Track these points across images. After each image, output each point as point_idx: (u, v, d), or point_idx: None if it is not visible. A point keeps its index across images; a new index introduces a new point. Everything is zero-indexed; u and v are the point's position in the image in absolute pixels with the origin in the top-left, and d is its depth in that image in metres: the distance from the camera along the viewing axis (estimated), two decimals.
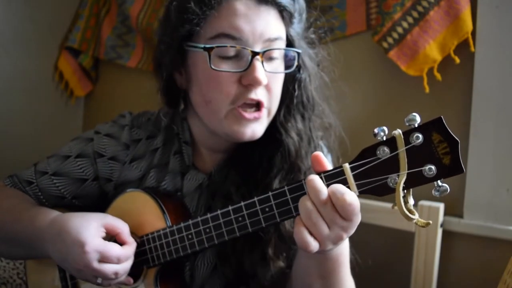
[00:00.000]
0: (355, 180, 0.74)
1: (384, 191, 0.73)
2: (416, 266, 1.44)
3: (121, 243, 0.94)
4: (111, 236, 0.94)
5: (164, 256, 0.96)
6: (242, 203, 0.84)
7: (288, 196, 0.79)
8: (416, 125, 0.70)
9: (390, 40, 1.48)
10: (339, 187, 0.73)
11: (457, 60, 1.42)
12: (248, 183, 1.06)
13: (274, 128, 1.06)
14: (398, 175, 0.71)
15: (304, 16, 1.06)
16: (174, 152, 1.12)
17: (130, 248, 0.93)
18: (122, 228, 0.95)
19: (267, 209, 0.82)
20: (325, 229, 0.74)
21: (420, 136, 0.69)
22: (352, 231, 0.77)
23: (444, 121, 0.68)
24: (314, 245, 0.75)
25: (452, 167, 0.68)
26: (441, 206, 1.41)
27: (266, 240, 1.01)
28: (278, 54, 1.00)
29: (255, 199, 0.83)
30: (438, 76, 1.44)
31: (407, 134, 0.70)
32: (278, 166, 1.05)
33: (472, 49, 1.40)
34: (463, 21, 1.39)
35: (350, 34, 1.64)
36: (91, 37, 2.27)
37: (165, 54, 1.02)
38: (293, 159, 1.05)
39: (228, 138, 1.02)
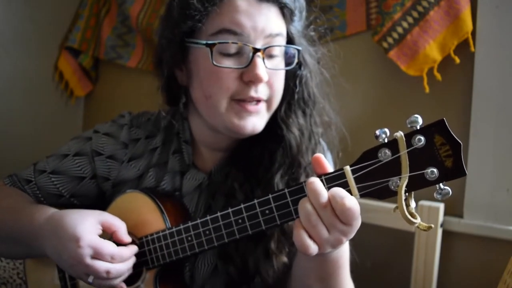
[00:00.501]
0: (356, 183, 0.74)
1: (385, 194, 0.72)
2: (416, 266, 1.44)
3: (118, 242, 0.94)
4: (110, 237, 0.94)
5: (164, 258, 0.96)
6: (242, 205, 0.84)
7: (289, 199, 0.79)
8: (418, 127, 0.70)
9: (390, 40, 1.48)
10: (339, 191, 0.73)
11: (457, 60, 1.42)
12: (250, 180, 1.06)
13: (275, 123, 1.06)
14: (400, 178, 0.71)
15: (304, 14, 1.06)
16: (174, 151, 1.11)
17: (127, 250, 0.93)
18: (119, 226, 0.95)
19: (267, 211, 0.82)
20: (324, 232, 0.74)
21: (422, 138, 0.69)
22: (351, 235, 0.76)
23: (446, 124, 0.68)
24: (313, 248, 0.75)
25: (454, 170, 0.68)
26: (441, 206, 1.41)
27: (268, 235, 1.01)
28: (278, 51, 1.01)
29: (255, 201, 0.83)
30: (438, 76, 1.44)
31: (409, 136, 0.70)
32: (280, 161, 1.05)
33: (472, 49, 1.40)
34: (463, 21, 1.39)
35: (350, 34, 1.64)
36: (91, 37, 2.27)
37: (166, 50, 1.02)
38: (294, 154, 1.05)
39: (229, 133, 1.02)
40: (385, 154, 0.72)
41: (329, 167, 0.78)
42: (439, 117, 0.69)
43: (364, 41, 1.61)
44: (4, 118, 2.07)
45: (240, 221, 0.85)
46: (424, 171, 0.69)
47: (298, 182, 0.97)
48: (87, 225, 0.89)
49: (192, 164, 1.10)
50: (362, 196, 0.75)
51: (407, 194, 0.71)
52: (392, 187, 0.72)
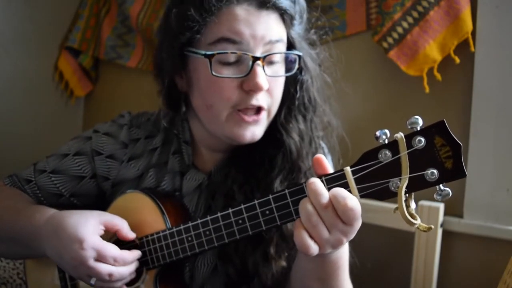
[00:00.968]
0: (356, 183, 0.74)
1: (385, 195, 0.72)
2: (416, 266, 1.44)
3: (123, 239, 0.94)
4: (111, 237, 0.94)
5: (164, 258, 0.96)
6: (242, 206, 0.84)
7: (289, 199, 0.79)
8: (419, 128, 0.70)
9: (390, 40, 1.48)
10: (340, 191, 0.73)
11: (457, 60, 1.42)
12: (249, 182, 1.06)
13: (275, 128, 1.06)
14: (400, 179, 0.71)
15: (305, 17, 1.06)
16: (173, 152, 1.11)
17: (129, 254, 0.93)
18: (121, 224, 0.95)
19: (267, 212, 0.82)
20: (325, 232, 0.74)
21: (423, 139, 0.69)
22: (352, 235, 0.77)
23: (447, 125, 0.68)
24: (314, 248, 0.75)
25: (455, 171, 0.68)
26: (441, 206, 1.41)
27: (268, 239, 1.01)
28: (279, 57, 1.00)
29: (255, 201, 0.82)
30: (438, 76, 1.44)
31: (409, 137, 0.70)
32: (280, 167, 1.05)
33: (472, 49, 1.40)
34: (463, 21, 1.39)
35: (350, 34, 1.64)
36: (91, 37, 2.27)
37: (165, 60, 1.02)
38: (294, 159, 1.05)
39: (228, 141, 1.02)
40: (386, 155, 0.72)
41: (330, 168, 0.78)
42: (439, 117, 0.69)
43: (364, 41, 1.61)
44: (4, 118, 2.07)
45: (240, 221, 0.85)
46: (424, 172, 0.69)
47: None
48: (89, 226, 0.89)
49: (192, 165, 1.10)
50: (362, 196, 0.75)
51: (407, 195, 0.71)
52: (392, 188, 0.72)
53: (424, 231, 0.71)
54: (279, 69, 1.01)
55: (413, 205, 0.72)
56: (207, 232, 0.89)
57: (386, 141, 0.72)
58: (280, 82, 1.01)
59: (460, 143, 0.68)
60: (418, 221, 0.71)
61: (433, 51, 1.44)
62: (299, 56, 1.02)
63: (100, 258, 0.88)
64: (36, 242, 0.95)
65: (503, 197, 1.38)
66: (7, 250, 1.06)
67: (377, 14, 1.55)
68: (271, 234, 1.01)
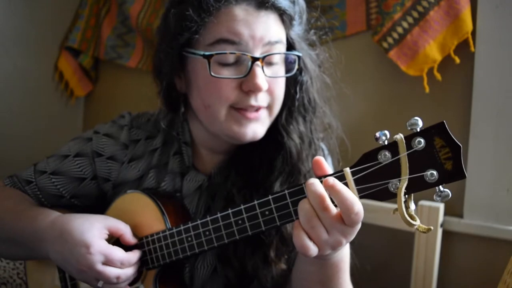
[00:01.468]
0: (356, 184, 0.74)
1: (385, 196, 0.72)
2: (416, 266, 1.44)
3: (125, 244, 0.94)
4: (112, 238, 0.95)
5: (164, 258, 0.96)
6: (242, 206, 0.84)
7: (288, 200, 0.79)
8: (418, 130, 0.70)
9: (390, 40, 1.48)
10: (346, 193, 0.72)
11: (457, 60, 1.42)
12: (249, 185, 1.06)
13: (275, 130, 1.06)
14: (400, 180, 0.71)
15: (304, 17, 1.05)
16: (174, 153, 1.12)
17: (133, 255, 0.94)
18: (125, 229, 0.96)
19: (267, 213, 0.82)
20: (324, 233, 0.74)
21: (422, 140, 0.69)
22: (352, 237, 0.77)
23: (446, 126, 0.68)
24: (313, 249, 0.75)
25: (454, 173, 0.68)
26: (441, 206, 1.41)
27: (267, 242, 1.01)
28: (278, 58, 1.00)
29: (255, 202, 0.83)
30: (438, 76, 1.44)
31: (409, 138, 0.70)
32: (280, 169, 1.05)
33: (472, 49, 1.40)
34: (463, 21, 1.39)
35: (350, 34, 1.64)
36: (91, 37, 2.27)
37: (164, 61, 1.02)
38: (294, 162, 1.05)
39: (229, 140, 1.02)
40: (385, 156, 0.72)
41: (329, 169, 0.78)
42: (439, 117, 0.70)
43: (364, 41, 1.61)
44: (4, 118, 2.07)
45: (240, 222, 0.85)
46: (423, 174, 0.69)
47: None
48: (95, 231, 0.89)
49: (192, 166, 1.10)
50: (361, 197, 0.75)
51: (406, 196, 0.71)
52: (392, 189, 0.72)
53: (424, 232, 0.71)
54: (279, 70, 1.01)
55: (412, 206, 0.72)
56: (207, 233, 0.89)
57: (386, 142, 0.72)
58: (280, 82, 1.01)
59: (460, 145, 0.68)
60: (417, 222, 0.71)
61: (433, 51, 1.44)
62: (299, 57, 1.02)
63: (108, 262, 0.88)
64: (39, 245, 0.95)
65: (503, 197, 1.38)
66: (7, 251, 1.06)
67: (377, 14, 1.55)
68: (271, 237, 1.01)
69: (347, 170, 0.75)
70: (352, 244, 0.80)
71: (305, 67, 1.06)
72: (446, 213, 1.44)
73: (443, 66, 1.44)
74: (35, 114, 2.19)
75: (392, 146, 0.72)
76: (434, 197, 0.70)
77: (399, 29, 1.46)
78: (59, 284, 1.08)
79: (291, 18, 1.00)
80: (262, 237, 1.00)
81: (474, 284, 1.44)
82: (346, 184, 0.75)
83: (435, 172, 0.69)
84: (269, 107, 1.00)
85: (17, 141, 2.10)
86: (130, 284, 0.98)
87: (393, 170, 0.71)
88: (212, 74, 0.94)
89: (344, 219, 0.72)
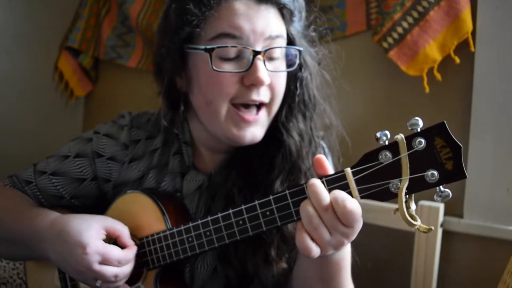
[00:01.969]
0: (357, 185, 0.74)
1: (386, 196, 0.72)
2: (416, 266, 1.44)
3: (122, 246, 0.94)
4: (111, 239, 0.95)
5: (164, 258, 0.96)
6: (243, 207, 0.84)
7: (289, 200, 0.79)
8: (419, 130, 0.70)
9: (390, 40, 1.48)
10: (340, 194, 0.73)
11: (457, 60, 1.42)
12: (249, 184, 1.06)
13: (275, 128, 1.06)
14: (400, 180, 0.71)
15: (304, 14, 1.05)
16: (174, 153, 1.11)
17: (130, 252, 0.93)
18: (122, 230, 0.95)
19: (267, 213, 0.82)
20: (326, 234, 0.74)
21: (423, 141, 0.69)
22: (353, 237, 0.77)
23: (447, 126, 0.68)
24: (315, 250, 0.75)
25: (455, 173, 0.68)
26: (441, 206, 1.41)
27: (268, 241, 1.01)
28: (279, 53, 1.00)
29: (256, 202, 0.82)
30: (438, 76, 1.44)
31: (410, 138, 0.70)
32: (279, 167, 1.05)
33: (472, 49, 1.40)
34: (463, 21, 1.39)
35: (350, 34, 1.64)
36: (91, 37, 2.27)
37: (165, 58, 1.02)
38: (294, 160, 1.05)
39: (229, 142, 1.02)
40: (386, 156, 0.72)
41: (330, 169, 0.78)
42: (439, 117, 0.70)
43: (364, 41, 1.61)
44: (4, 118, 2.07)
45: (241, 222, 0.85)
46: (424, 174, 0.69)
47: None
48: (92, 230, 0.89)
49: (192, 166, 1.10)
50: (362, 197, 0.75)
51: (407, 196, 0.72)
52: (393, 189, 0.72)
53: (424, 232, 0.71)
54: (280, 65, 1.01)
55: (413, 206, 0.72)
56: (208, 233, 0.89)
57: (387, 142, 0.72)
58: (281, 77, 1.01)
59: (461, 145, 0.68)
60: (418, 222, 0.71)
61: (433, 51, 1.44)
62: (300, 52, 1.02)
63: (105, 261, 0.88)
64: (37, 245, 0.95)
65: (503, 197, 1.38)
66: (7, 251, 1.06)
67: (377, 14, 1.55)
68: (271, 236, 1.01)
69: (348, 170, 0.75)
70: (352, 242, 0.80)
71: (305, 63, 1.06)
72: (446, 213, 1.44)
73: (443, 66, 1.44)
74: (35, 114, 2.19)
75: (393, 146, 0.72)
76: (435, 197, 0.70)
77: (399, 29, 1.46)
78: (59, 284, 1.07)
79: (291, 13, 1.00)
80: (263, 236, 1.00)
81: (474, 284, 1.44)
82: (347, 184, 0.75)
83: (435, 172, 0.69)
84: (269, 104, 1.00)
85: (17, 141, 2.10)
86: (131, 284, 0.98)
87: (394, 170, 0.72)
88: (214, 68, 0.94)
89: (341, 218, 0.73)
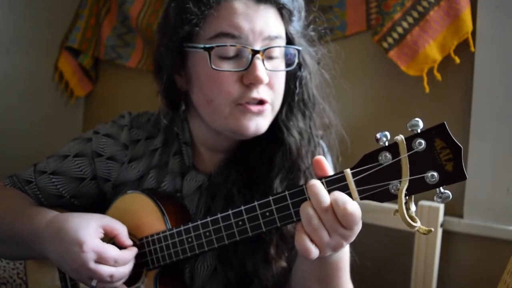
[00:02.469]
0: (357, 186, 0.74)
1: (385, 198, 0.72)
2: (416, 266, 1.44)
3: (120, 245, 0.94)
4: (110, 238, 0.95)
5: (164, 258, 0.96)
6: (243, 207, 0.84)
7: (289, 201, 0.79)
8: (419, 131, 0.70)
9: (390, 40, 1.48)
10: (340, 196, 0.73)
11: (457, 60, 1.42)
12: (249, 184, 1.06)
13: (275, 126, 1.06)
14: (400, 181, 0.71)
15: (303, 14, 1.05)
16: (174, 153, 1.11)
17: (128, 253, 0.93)
18: (121, 230, 0.95)
19: (267, 214, 0.81)
20: (325, 236, 0.74)
21: (423, 142, 0.69)
22: (352, 239, 0.77)
23: (447, 127, 0.68)
24: (314, 252, 0.75)
25: (455, 174, 0.68)
26: (441, 206, 1.41)
27: (267, 240, 1.01)
28: (278, 53, 1.00)
29: (256, 203, 0.82)
30: (438, 76, 1.44)
31: (410, 140, 0.70)
32: (279, 166, 1.05)
33: (472, 49, 1.40)
34: (463, 21, 1.39)
35: (350, 34, 1.64)
36: (91, 37, 2.27)
37: (165, 56, 1.02)
38: (294, 158, 1.05)
39: (232, 135, 1.01)
40: (386, 158, 0.72)
41: (330, 170, 0.78)
42: (439, 117, 0.70)
43: (364, 41, 1.61)
44: (4, 118, 2.07)
45: (240, 223, 0.85)
46: (424, 175, 0.69)
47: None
48: (89, 229, 0.89)
49: (192, 166, 1.10)
50: (362, 199, 0.75)
51: (407, 197, 0.71)
52: (393, 190, 0.72)
53: (424, 233, 0.71)
54: (279, 64, 1.01)
55: (413, 207, 0.72)
56: (207, 234, 0.89)
57: (387, 143, 0.72)
58: (281, 76, 1.01)
59: (461, 146, 0.68)
60: (418, 224, 0.70)
61: (433, 51, 1.44)
62: (299, 51, 1.02)
63: (101, 260, 0.88)
64: (37, 243, 0.95)
65: (503, 197, 1.38)
66: (7, 251, 1.06)
67: (377, 14, 1.55)
68: (271, 235, 1.01)
69: (348, 172, 0.75)
70: (351, 242, 0.80)
71: (304, 63, 1.06)
72: (446, 213, 1.44)
73: (443, 66, 1.44)
74: (35, 114, 2.19)
75: (393, 147, 0.72)
76: (435, 198, 0.70)
77: (399, 29, 1.46)
78: (59, 284, 1.07)
79: (290, 13, 1.00)
80: (262, 235, 1.00)
81: (474, 284, 1.44)
82: (346, 186, 0.75)
83: (435, 174, 0.69)
84: (271, 103, 1.00)
85: (17, 141, 2.10)
86: (130, 285, 0.98)
87: (394, 171, 0.71)
88: (213, 67, 0.94)
89: (340, 220, 0.73)
